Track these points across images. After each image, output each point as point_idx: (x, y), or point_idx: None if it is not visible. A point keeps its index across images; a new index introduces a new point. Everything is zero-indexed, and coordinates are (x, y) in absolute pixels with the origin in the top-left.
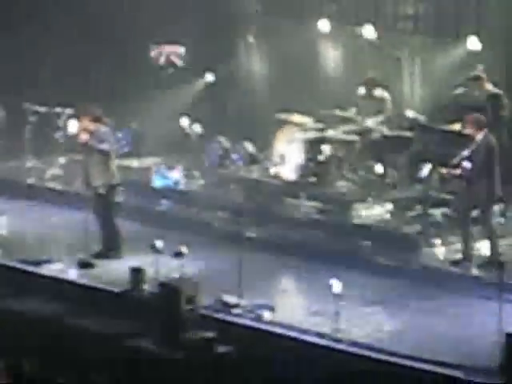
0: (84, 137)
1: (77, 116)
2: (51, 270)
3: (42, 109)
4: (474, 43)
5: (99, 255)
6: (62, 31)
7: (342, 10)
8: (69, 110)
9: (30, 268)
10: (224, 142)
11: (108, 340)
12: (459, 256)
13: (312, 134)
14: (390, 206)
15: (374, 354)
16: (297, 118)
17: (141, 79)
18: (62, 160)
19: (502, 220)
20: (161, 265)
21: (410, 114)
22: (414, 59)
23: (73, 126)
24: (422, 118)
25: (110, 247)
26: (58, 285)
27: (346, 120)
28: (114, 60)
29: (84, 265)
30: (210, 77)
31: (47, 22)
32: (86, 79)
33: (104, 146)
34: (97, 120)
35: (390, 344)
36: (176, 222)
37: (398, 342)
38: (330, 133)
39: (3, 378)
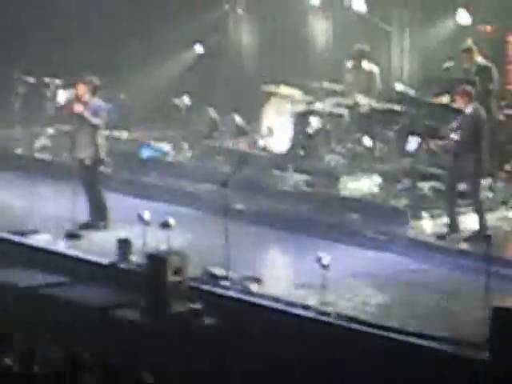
0: (79, 108)
1: (73, 84)
2: (38, 240)
3: (31, 79)
4: (463, 17)
5: (86, 226)
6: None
7: None
8: (58, 81)
9: (17, 238)
10: (212, 113)
11: (95, 311)
12: (446, 230)
13: (300, 107)
14: (378, 179)
15: (360, 327)
16: (285, 90)
17: (129, 50)
18: (50, 131)
19: (490, 194)
20: (148, 236)
21: (398, 87)
22: (404, 32)
23: (62, 96)
24: (410, 91)
25: (98, 218)
26: (46, 255)
27: (334, 93)
28: (99, 32)
29: (71, 236)
30: (199, 48)
31: None
32: (73, 51)
33: (97, 121)
34: (95, 90)
35: (377, 317)
36: (163, 193)
37: (385, 315)
38: (319, 105)
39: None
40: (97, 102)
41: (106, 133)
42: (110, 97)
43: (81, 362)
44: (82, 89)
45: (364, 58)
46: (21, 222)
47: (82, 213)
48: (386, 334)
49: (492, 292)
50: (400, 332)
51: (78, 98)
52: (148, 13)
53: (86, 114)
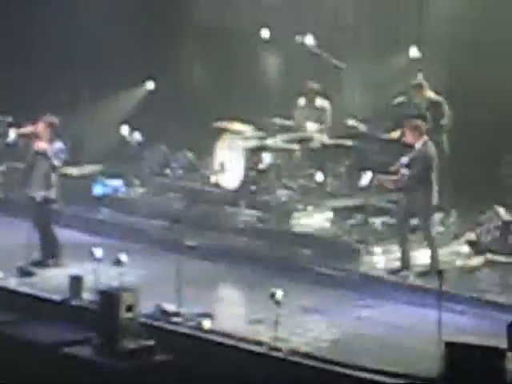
0: (43, 145)
1: (22, 123)
2: None
3: None
4: (414, 52)
5: (39, 263)
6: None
7: (283, 19)
8: (8, 119)
9: None
10: (164, 150)
11: (47, 349)
12: (398, 264)
13: (252, 142)
14: (330, 215)
15: (313, 363)
16: (236, 126)
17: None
18: (1, 167)
19: (442, 229)
20: (100, 273)
21: (350, 122)
22: (355, 68)
23: (12, 134)
24: (362, 127)
25: (50, 255)
26: None
27: (285, 128)
28: (51, 72)
29: (24, 273)
30: (150, 84)
31: None
32: (25, 89)
33: (57, 162)
34: (53, 127)
35: (330, 353)
36: (116, 229)
37: (338, 350)
38: (270, 141)
39: None
40: (58, 143)
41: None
42: (60, 132)
43: None
44: (42, 127)
45: (316, 95)
46: None
47: (35, 250)
48: (339, 369)
49: (445, 327)
50: (353, 367)
51: (37, 136)
52: (99, 47)
53: (50, 154)
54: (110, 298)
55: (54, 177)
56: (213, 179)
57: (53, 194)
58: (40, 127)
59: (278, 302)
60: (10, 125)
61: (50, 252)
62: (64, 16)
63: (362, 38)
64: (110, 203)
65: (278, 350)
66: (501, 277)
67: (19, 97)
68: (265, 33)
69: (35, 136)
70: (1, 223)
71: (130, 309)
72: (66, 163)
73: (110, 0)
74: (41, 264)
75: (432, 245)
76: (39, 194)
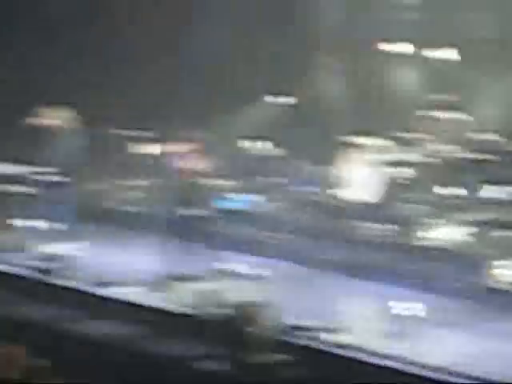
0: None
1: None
2: (122, 293)
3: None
4: None
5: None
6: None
7: (421, 33)
8: (148, 134)
9: (102, 291)
10: (302, 164)
11: (177, 362)
12: None
13: (387, 157)
14: (462, 228)
15: (453, 379)
16: (371, 140)
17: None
18: (141, 183)
19: None
20: (232, 287)
21: (487, 136)
22: (496, 81)
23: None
24: (499, 140)
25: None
26: (129, 308)
27: (419, 143)
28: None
29: (156, 288)
30: (288, 99)
31: None
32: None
33: None
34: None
35: (468, 367)
36: (250, 245)
37: (478, 365)
38: (406, 155)
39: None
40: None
41: None
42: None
43: None
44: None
45: (451, 108)
46: (106, 274)
47: (165, 264)
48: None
49: None
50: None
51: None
52: (238, 64)
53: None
54: (241, 312)
55: None
56: (343, 193)
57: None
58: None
59: (411, 316)
60: (151, 141)
61: None
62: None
63: (507, 51)
64: (244, 218)
65: (413, 364)
66: None
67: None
68: (400, 47)
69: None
70: (138, 239)
71: (261, 323)
72: None
73: (247, 16)
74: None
75: None
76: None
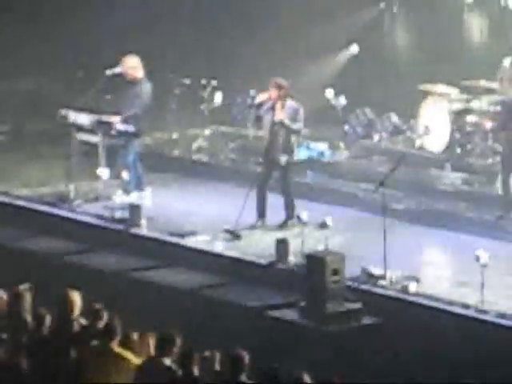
0: (279, 116)
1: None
2: (197, 241)
3: (187, 80)
4: None
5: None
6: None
7: None
8: (214, 82)
9: (176, 240)
10: (369, 113)
11: (252, 311)
12: None
13: (457, 105)
14: None
15: None
16: (441, 88)
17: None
18: (207, 132)
19: None
20: (306, 236)
21: None
22: None
23: (218, 98)
24: None
25: (292, 216)
26: (204, 257)
27: (490, 91)
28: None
29: (230, 236)
30: (354, 48)
31: None
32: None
33: (297, 126)
34: (286, 93)
35: None
36: (321, 193)
37: None
38: (476, 103)
39: None
40: (293, 104)
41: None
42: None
43: (241, 364)
44: (275, 93)
45: None
46: (179, 223)
47: (242, 214)
48: None
49: None
50: None
51: (272, 104)
52: (302, 13)
53: (287, 122)
54: (316, 261)
55: (293, 140)
56: (418, 142)
57: (294, 157)
58: (272, 94)
59: (483, 265)
60: (216, 88)
61: (292, 213)
62: None
63: None
64: (315, 167)
65: (485, 312)
66: None
67: (225, 62)
68: None
69: (271, 104)
70: (207, 188)
71: (336, 272)
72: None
73: None
74: (285, 224)
75: None
76: (282, 159)
